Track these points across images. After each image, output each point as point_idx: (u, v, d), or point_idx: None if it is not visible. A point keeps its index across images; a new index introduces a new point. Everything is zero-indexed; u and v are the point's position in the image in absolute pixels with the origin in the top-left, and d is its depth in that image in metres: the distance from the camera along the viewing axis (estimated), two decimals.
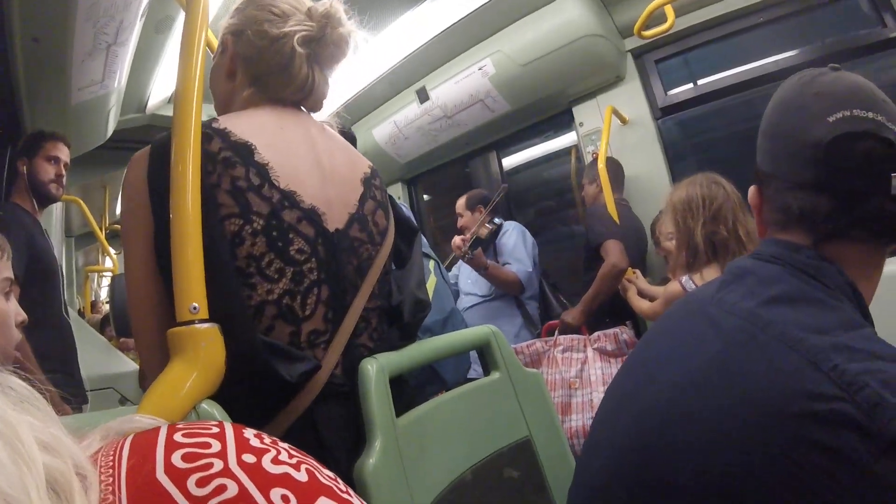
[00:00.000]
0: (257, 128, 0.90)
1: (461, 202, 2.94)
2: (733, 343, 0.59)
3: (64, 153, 2.28)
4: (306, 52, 0.97)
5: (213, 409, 0.71)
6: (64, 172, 2.28)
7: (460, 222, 2.89)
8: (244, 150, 0.85)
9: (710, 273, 1.78)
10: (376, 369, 0.86)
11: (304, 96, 1.01)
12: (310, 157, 0.94)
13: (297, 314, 0.86)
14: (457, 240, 2.52)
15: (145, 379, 0.86)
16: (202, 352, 0.73)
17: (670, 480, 0.55)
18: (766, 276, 0.66)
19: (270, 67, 0.97)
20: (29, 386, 0.32)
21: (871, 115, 0.66)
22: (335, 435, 0.85)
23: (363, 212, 0.98)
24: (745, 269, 0.69)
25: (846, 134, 0.65)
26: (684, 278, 1.82)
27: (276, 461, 0.32)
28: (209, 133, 0.84)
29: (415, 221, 1.86)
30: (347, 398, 0.88)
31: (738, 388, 0.54)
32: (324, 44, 0.98)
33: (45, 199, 2.28)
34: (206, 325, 0.74)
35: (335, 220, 0.93)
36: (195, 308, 0.74)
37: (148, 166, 0.85)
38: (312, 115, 1.06)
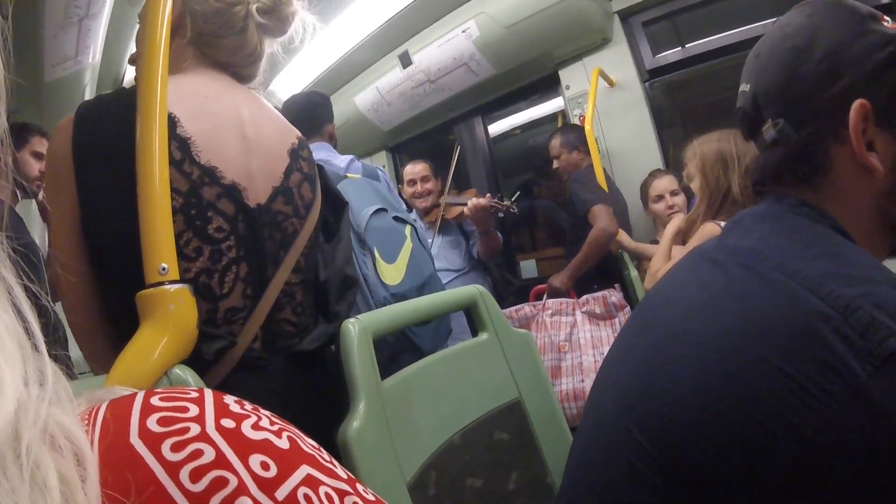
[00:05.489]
0: (181, 97, 0.87)
1: (427, 167, 2.82)
2: (735, 277, 0.60)
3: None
4: (260, 22, 0.98)
5: (187, 375, 0.69)
6: (45, 163, 2.22)
7: (427, 185, 2.78)
8: (167, 122, 0.82)
9: None
10: (358, 330, 0.84)
11: (249, 63, 1.02)
12: (233, 128, 0.91)
13: (215, 292, 0.84)
14: (481, 202, 2.41)
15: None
16: (172, 314, 0.70)
17: (669, 398, 0.57)
18: (759, 215, 0.70)
19: (223, 30, 0.96)
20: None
21: (741, 87, 0.75)
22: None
23: (288, 184, 0.96)
24: (742, 214, 0.72)
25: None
26: (721, 223, 1.82)
27: (256, 427, 0.30)
28: (132, 103, 0.80)
29: (390, 188, 1.82)
30: (265, 370, 0.88)
31: (739, 312, 0.56)
32: (274, 17, 1.00)
33: (26, 193, 2.21)
34: (176, 286, 0.71)
35: (257, 194, 0.91)
36: (164, 269, 0.70)
37: (73, 134, 0.82)
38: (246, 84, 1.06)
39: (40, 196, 2.20)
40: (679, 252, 2.17)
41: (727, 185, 1.84)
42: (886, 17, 0.68)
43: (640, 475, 0.57)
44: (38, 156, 2.17)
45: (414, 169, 2.81)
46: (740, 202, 1.82)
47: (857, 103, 0.63)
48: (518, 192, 2.58)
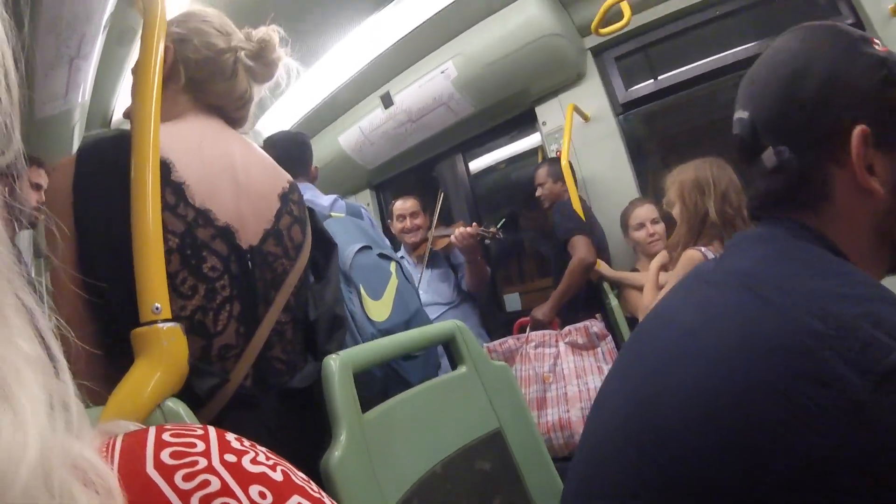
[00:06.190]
0: (176, 143, 0.91)
1: (416, 203, 2.87)
2: (735, 298, 0.61)
3: (45, 180, 2.20)
4: (248, 66, 1.04)
5: (179, 408, 0.72)
6: (45, 199, 2.21)
7: (417, 221, 2.83)
8: (162, 169, 0.85)
9: (717, 247, 1.92)
10: (339, 365, 0.87)
11: (239, 106, 1.07)
12: (226, 172, 0.96)
13: (209, 330, 0.87)
14: (467, 230, 2.47)
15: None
16: (165, 351, 0.74)
17: (669, 422, 0.57)
18: (758, 237, 0.70)
19: (214, 75, 1.02)
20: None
21: (738, 114, 0.75)
22: None
23: (279, 227, 1.00)
24: (741, 236, 0.73)
25: None
26: (702, 248, 1.91)
27: (254, 461, 0.35)
28: (128, 148, 0.83)
29: (373, 226, 1.86)
30: (256, 407, 0.91)
31: (739, 333, 0.56)
32: (260, 63, 1.06)
33: (23, 226, 2.21)
34: (168, 325, 0.75)
35: (249, 236, 0.95)
36: (157, 308, 0.75)
37: (74, 172, 0.85)
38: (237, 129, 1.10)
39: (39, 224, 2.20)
40: (666, 280, 2.24)
41: (705, 210, 1.93)
42: (877, 41, 0.69)
43: (642, 500, 0.57)
44: (35, 186, 2.16)
45: (404, 205, 2.85)
46: (718, 225, 1.92)
47: (858, 130, 0.64)
48: (504, 220, 2.62)
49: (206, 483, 0.32)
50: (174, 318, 0.81)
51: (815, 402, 0.48)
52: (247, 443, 0.37)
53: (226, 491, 0.32)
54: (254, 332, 0.92)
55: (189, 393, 0.79)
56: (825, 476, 0.47)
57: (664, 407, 0.58)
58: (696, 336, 0.61)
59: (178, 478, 0.32)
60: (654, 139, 3.30)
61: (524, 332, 2.47)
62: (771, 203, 0.72)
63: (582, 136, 3.03)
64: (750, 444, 0.51)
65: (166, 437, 0.35)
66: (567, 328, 2.38)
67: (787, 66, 0.69)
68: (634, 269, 2.63)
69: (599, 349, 2.32)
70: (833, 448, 0.47)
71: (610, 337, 2.34)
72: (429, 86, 3.17)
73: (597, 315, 2.41)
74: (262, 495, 0.32)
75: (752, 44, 2.74)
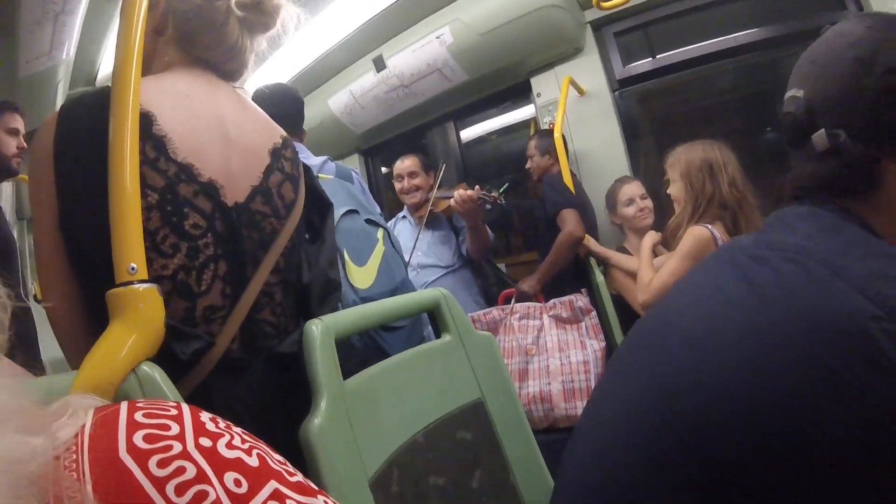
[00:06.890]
0: (161, 95, 0.88)
1: (416, 162, 2.78)
2: (782, 271, 0.61)
3: (22, 125, 2.16)
4: (241, 16, 0.98)
5: (154, 372, 0.70)
6: (25, 145, 2.16)
7: (415, 182, 2.75)
8: (143, 122, 0.82)
9: (720, 227, 1.94)
10: (321, 330, 0.86)
11: (229, 58, 1.01)
12: (214, 126, 0.92)
13: (193, 290, 0.84)
14: (468, 193, 2.39)
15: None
16: (141, 313, 0.71)
17: (712, 390, 0.58)
18: (803, 214, 0.70)
19: (204, 26, 0.97)
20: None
21: (792, 92, 0.74)
22: (229, 409, 0.85)
23: (267, 184, 0.96)
24: (782, 214, 0.73)
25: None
26: (708, 226, 1.93)
27: (229, 446, 0.34)
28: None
29: (364, 191, 1.83)
30: (244, 372, 0.89)
31: (786, 304, 0.58)
32: (257, 11, 1.00)
33: (5, 174, 2.18)
34: (144, 286, 0.72)
35: (235, 192, 0.91)
36: (133, 269, 0.72)
37: (56, 130, 0.83)
38: (232, 83, 1.05)
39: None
40: (664, 259, 2.24)
41: (713, 191, 1.95)
42: None
43: (676, 470, 0.58)
44: (12, 132, 2.11)
45: (402, 165, 2.77)
46: (732, 206, 1.95)
47: None
48: (507, 185, 2.59)
49: (181, 470, 0.31)
50: (156, 278, 0.79)
51: (863, 382, 0.50)
52: (222, 423, 0.36)
53: (201, 478, 0.31)
54: (241, 293, 0.89)
55: (174, 358, 0.77)
56: (872, 454, 0.49)
57: (705, 377, 0.59)
58: (738, 307, 0.62)
59: (151, 464, 0.31)
60: (647, 119, 3.28)
61: (509, 303, 2.47)
62: (816, 186, 0.72)
63: (577, 111, 3.01)
64: (794, 415, 0.52)
65: (139, 417, 0.34)
66: (552, 301, 2.39)
67: (854, 49, 0.68)
68: (621, 248, 2.63)
69: (583, 324, 2.33)
70: (881, 426, 0.48)
71: (594, 312, 2.34)
72: (423, 51, 3.12)
73: (582, 290, 2.41)
74: (238, 483, 0.32)
75: (753, 30, 2.73)
